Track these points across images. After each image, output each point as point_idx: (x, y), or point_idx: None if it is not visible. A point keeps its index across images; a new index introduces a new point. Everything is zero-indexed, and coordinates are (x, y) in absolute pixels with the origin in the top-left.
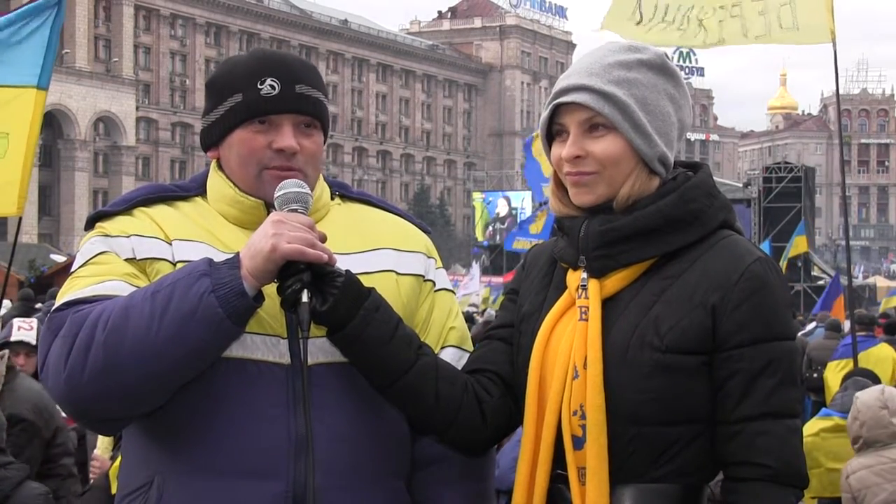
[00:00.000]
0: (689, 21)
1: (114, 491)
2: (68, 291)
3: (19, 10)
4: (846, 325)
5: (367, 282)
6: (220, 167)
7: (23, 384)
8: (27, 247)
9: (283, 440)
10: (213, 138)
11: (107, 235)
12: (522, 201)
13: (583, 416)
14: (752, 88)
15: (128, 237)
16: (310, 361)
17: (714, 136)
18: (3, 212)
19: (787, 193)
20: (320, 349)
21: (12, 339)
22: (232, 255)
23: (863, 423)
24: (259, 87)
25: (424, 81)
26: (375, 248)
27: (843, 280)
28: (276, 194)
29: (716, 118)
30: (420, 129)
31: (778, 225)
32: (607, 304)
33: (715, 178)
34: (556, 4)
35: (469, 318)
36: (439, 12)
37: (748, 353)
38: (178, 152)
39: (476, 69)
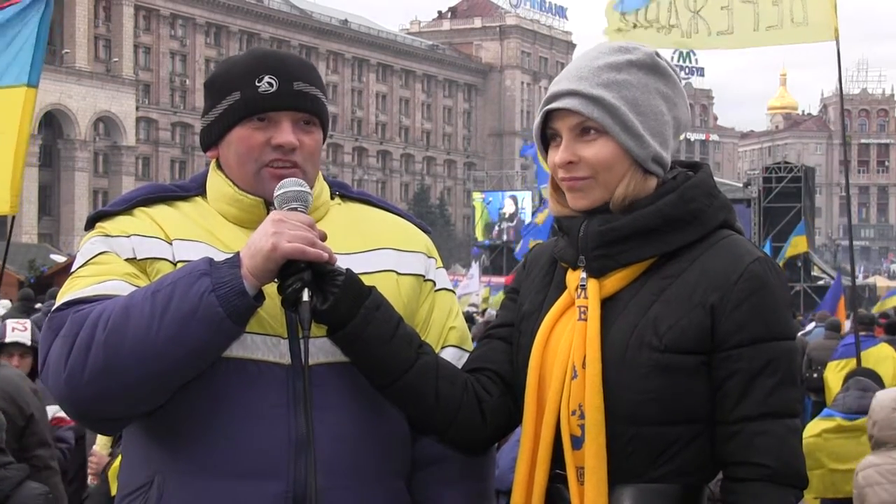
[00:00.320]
0: (687, 17)
1: (113, 492)
2: (68, 291)
3: (5, 10)
4: (846, 325)
5: (367, 281)
6: (219, 166)
7: None
8: (27, 247)
9: (283, 440)
10: (212, 137)
11: (107, 235)
12: (523, 201)
13: (581, 416)
14: (752, 88)
15: (128, 237)
16: (310, 361)
17: (714, 136)
18: None
19: (787, 193)
20: (321, 349)
21: (7, 340)
22: (232, 255)
23: (875, 423)
24: (257, 84)
25: (424, 81)
26: (376, 248)
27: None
28: (276, 193)
29: (716, 118)
30: (420, 129)
31: (778, 225)
32: (606, 303)
33: (715, 178)
34: (556, 4)
35: (469, 318)
36: (439, 12)
37: (747, 353)
38: (178, 152)
39: (476, 69)
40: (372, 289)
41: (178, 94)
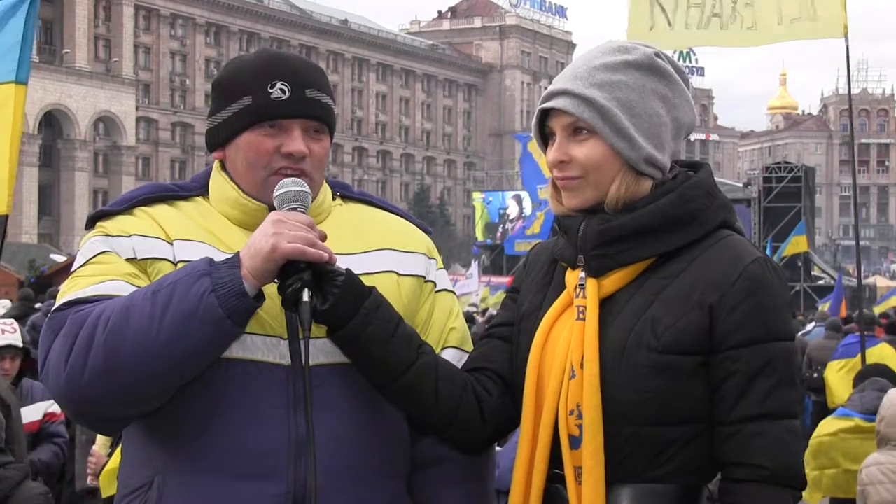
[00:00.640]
0: (722, 13)
1: (104, 494)
2: (69, 291)
3: None
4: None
5: (367, 282)
6: (223, 168)
7: None
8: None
9: (283, 441)
10: (219, 139)
11: (107, 235)
12: (522, 201)
13: (580, 416)
14: (752, 88)
15: (128, 237)
16: (310, 362)
17: (714, 136)
18: None
19: (787, 193)
20: (321, 350)
21: (6, 343)
22: (232, 255)
23: (883, 418)
24: (269, 90)
25: (424, 81)
26: (376, 248)
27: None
28: (276, 193)
29: (716, 118)
30: (420, 128)
31: (778, 225)
32: (605, 303)
33: (715, 177)
34: (556, 4)
35: (469, 319)
36: (439, 12)
37: (746, 354)
38: (178, 152)
39: (476, 69)
40: (372, 289)
41: (178, 94)
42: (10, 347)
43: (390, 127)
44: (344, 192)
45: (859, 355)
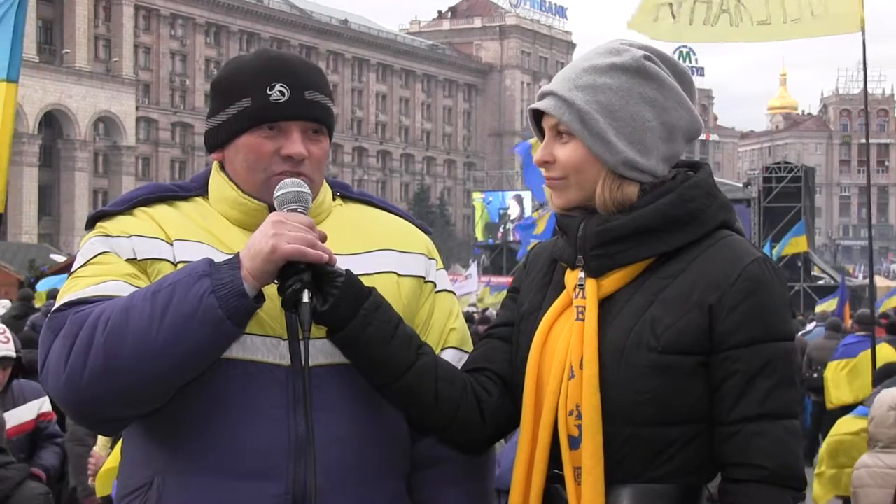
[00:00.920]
0: (726, 9)
1: (98, 494)
2: (69, 291)
3: None
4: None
5: (367, 283)
6: (221, 168)
7: None
8: (27, 247)
9: (282, 441)
10: (218, 140)
11: (107, 235)
12: (523, 201)
13: (579, 416)
14: (752, 88)
15: (128, 237)
16: (310, 362)
17: (714, 136)
18: None
19: (787, 193)
20: (321, 350)
21: (2, 354)
22: (232, 256)
23: (872, 418)
24: (268, 92)
25: (424, 81)
26: (376, 249)
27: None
28: (276, 194)
29: (716, 118)
30: (420, 129)
31: (778, 225)
32: (605, 303)
33: (715, 177)
34: (556, 4)
35: (469, 319)
36: (439, 12)
37: (746, 354)
38: (178, 152)
39: (476, 69)
40: (372, 290)
41: (178, 94)
42: (4, 359)
43: (390, 127)
44: (344, 193)
45: (860, 355)
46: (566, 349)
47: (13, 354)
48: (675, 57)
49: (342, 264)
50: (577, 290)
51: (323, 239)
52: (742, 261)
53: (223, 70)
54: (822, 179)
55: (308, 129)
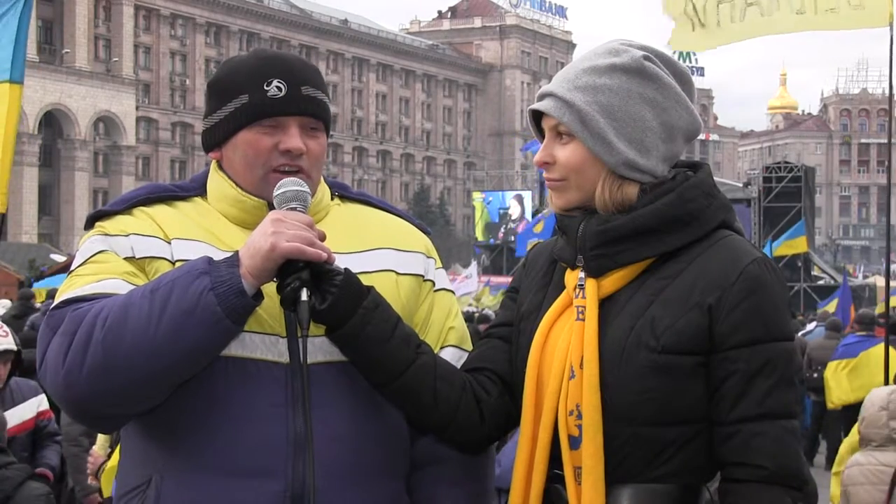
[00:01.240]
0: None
1: (105, 494)
2: (67, 289)
3: None
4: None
5: (366, 281)
6: (220, 167)
7: None
8: (27, 247)
9: (281, 439)
10: (216, 139)
11: (106, 234)
12: (528, 200)
13: (579, 416)
14: (752, 88)
15: (127, 236)
16: (309, 360)
17: (714, 136)
18: None
19: (787, 193)
20: (319, 348)
21: (3, 348)
22: (231, 254)
23: (863, 419)
24: (266, 88)
25: (424, 81)
26: (375, 248)
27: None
28: (275, 193)
29: (716, 118)
30: (420, 128)
31: (778, 225)
32: (605, 303)
33: (715, 177)
34: (556, 4)
35: (469, 318)
36: (439, 12)
37: (745, 354)
38: (178, 152)
39: (476, 69)
40: (370, 288)
41: (178, 94)
42: (7, 352)
43: (390, 127)
44: (343, 193)
45: (860, 355)
46: (566, 349)
47: (14, 348)
48: (675, 57)
49: (341, 263)
50: (578, 290)
51: (322, 237)
52: (742, 261)
53: (219, 70)
54: (822, 179)
55: (306, 125)
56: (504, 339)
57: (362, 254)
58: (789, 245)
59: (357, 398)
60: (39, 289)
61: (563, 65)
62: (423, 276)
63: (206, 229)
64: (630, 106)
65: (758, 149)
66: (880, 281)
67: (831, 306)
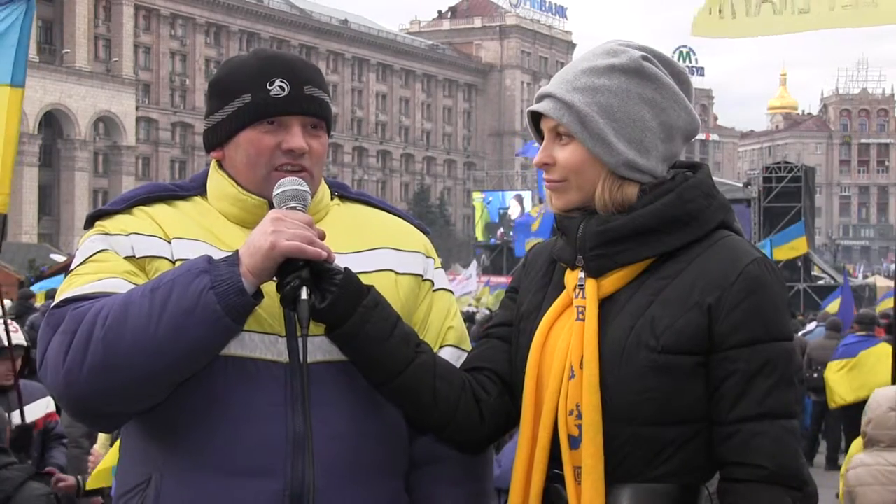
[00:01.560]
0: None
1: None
2: (67, 288)
3: None
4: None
5: (366, 281)
6: (220, 167)
7: None
8: (27, 247)
9: (280, 438)
10: (218, 138)
11: (106, 234)
12: (526, 200)
13: (579, 416)
14: (752, 88)
15: (127, 235)
16: (308, 359)
17: (714, 136)
18: None
19: (787, 193)
20: (319, 347)
21: (14, 343)
22: (231, 253)
23: (870, 420)
24: (268, 87)
25: (424, 81)
26: (374, 247)
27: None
28: (275, 192)
29: (716, 118)
30: (420, 128)
31: (778, 225)
32: (605, 303)
33: (715, 177)
34: (556, 4)
35: (469, 318)
36: (439, 12)
37: (745, 354)
38: (178, 152)
39: (476, 69)
40: (370, 287)
41: (178, 94)
42: (18, 347)
43: (390, 127)
44: (342, 193)
45: (860, 355)
46: (566, 349)
47: (24, 343)
48: (675, 57)
49: (340, 262)
50: (578, 290)
51: (322, 236)
52: (741, 261)
53: (221, 70)
54: (822, 179)
55: (308, 124)
56: (503, 339)
57: (362, 253)
58: (791, 247)
59: (356, 397)
60: (40, 292)
61: (562, 65)
62: (422, 276)
63: (206, 228)
64: (629, 106)
65: (758, 149)
66: (880, 281)
67: (833, 307)
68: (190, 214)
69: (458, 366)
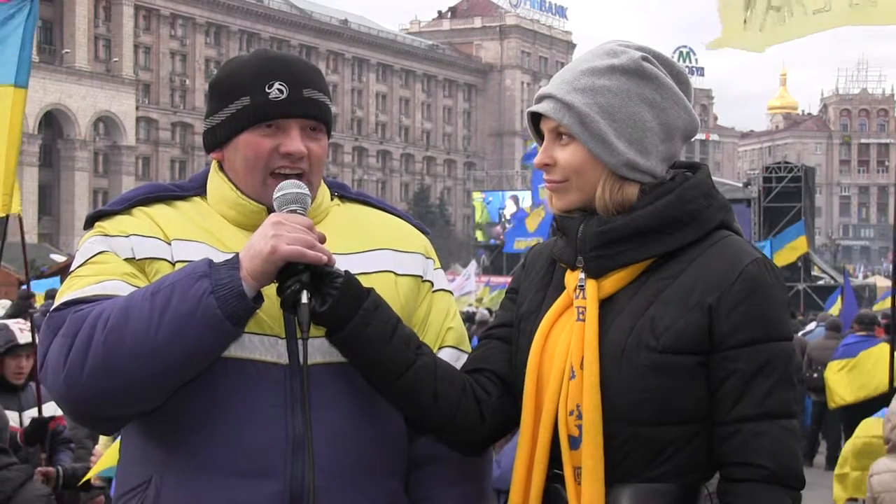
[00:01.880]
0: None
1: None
2: (67, 291)
3: None
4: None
5: (365, 282)
6: (220, 168)
7: None
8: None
9: (280, 440)
10: (217, 140)
11: (106, 235)
12: (523, 201)
13: (579, 416)
14: (752, 88)
15: (127, 237)
16: (308, 361)
17: (714, 136)
18: None
19: (787, 193)
20: (318, 349)
21: (20, 341)
22: (231, 256)
23: (894, 427)
24: (267, 90)
25: (424, 81)
26: (374, 248)
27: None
28: (275, 195)
29: (716, 118)
30: (420, 129)
31: (778, 225)
32: (605, 304)
33: (715, 177)
34: (556, 4)
35: (468, 318)
36: (439, 12)
37: (745, 354)
38: (178, 152)
39: (476, 69)
40: (370, 290)
41: (178, 94)
42: (29, 345)
43: (390, 127)
44: (342, 193)
45: (860, 355)
46: (567, 350)
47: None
48: (675, 57)
49: (340, 263)
50: (578, 290)
51: (322, 240)
52: (741, 261)
53: (221, 70)
54: (822, 179)
55: (307, 127)
56: (504, 340)
57: (361, 254)
58: (791, 247)
59: (356, 399)
60: (39, 294)
61: (562, 65)
62: (421, 277)
63: (205, 230)
64: (629, 107)
65: (758, 149)
66: (880, 281)
67: (835, 308)
68: (189, 215)
69: (457, 366)
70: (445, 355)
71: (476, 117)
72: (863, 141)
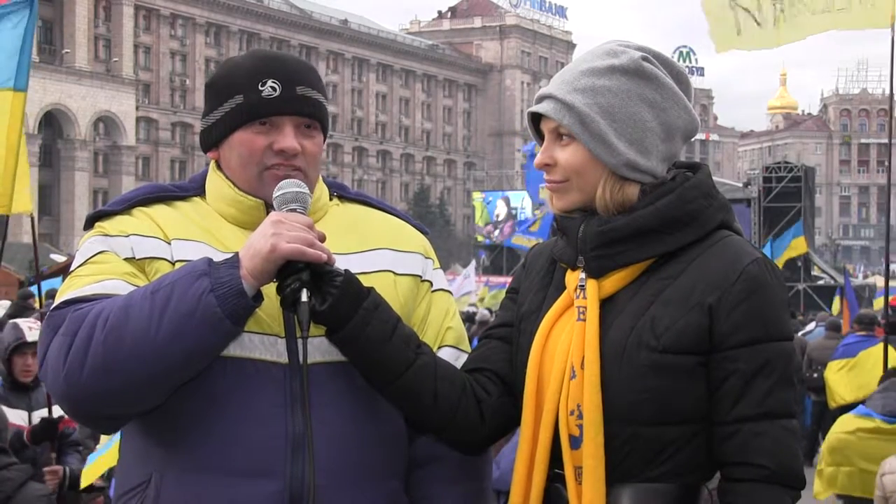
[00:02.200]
0: (782, 12)
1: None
2: (67, 290)
3: None
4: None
5: (365, 281)
6: (218, 167)
7: None
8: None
9: (280, 439)
10: (213, 139)
11: (106, 235)
12: (522, 201)
13: (580, 416)
14: (752, 88)
15: (127, 237)
16: (308, 361)
17: (714, 136)
18: None
19: (787, 193)
20: (318, 348)
21: (28, 339)
22: (231, 255)
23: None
24: (260, 88)
25: (424, 81)
26: (373, 248)
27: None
28: (275, 194)
29: (716, 118)
30: (420, 128)
31: (778, 225)
32: (605, 304)
33: (715, 177)
34: (556, 4)
35: (469, 318)
36: (439, 12)
37: (745, 354)
38: (178, 152)
39: (476, 69)
40: (370, 289)
41: (178, 94)
42: (35, 344)
43: (390, 127)
44: (341, 193)
45: (860, 354)
46: (567, 349)
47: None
48: (675, 57)
49: (340, 263)
50: (578, 290)
51: (322, 239)
52: (742, 261)
53: (217, 70)
54: (822, 179)
55: (301, 124)
56: (504, 340)
57: (361, 254)
58: (791, 249)
59: (355, 398)
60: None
61: (563, 65)
62: (420, 277)
63: (205, 229)
64: (630, 107)
65: (758, 149)
66: (880, 281)
67: (834, 308)
68: (189, 215)
69: (456, 366)
70: (445, 355)
71: (476, 117)
72: (863, 141)
